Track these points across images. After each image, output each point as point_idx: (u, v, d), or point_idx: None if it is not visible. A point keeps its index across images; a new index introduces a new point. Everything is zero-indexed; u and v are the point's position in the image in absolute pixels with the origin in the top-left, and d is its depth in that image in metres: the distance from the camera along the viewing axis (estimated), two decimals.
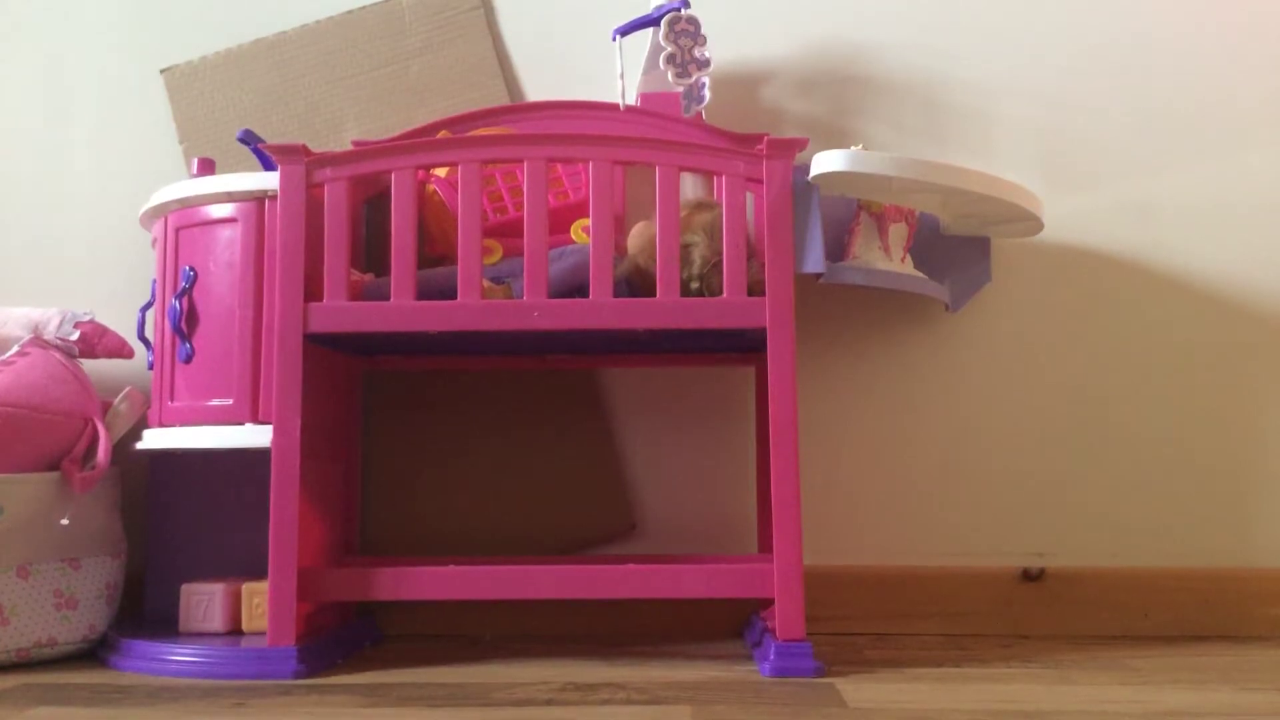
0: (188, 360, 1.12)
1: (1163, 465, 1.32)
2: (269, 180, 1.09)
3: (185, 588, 1.17)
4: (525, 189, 1.07)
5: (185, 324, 1.12)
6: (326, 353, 1.15)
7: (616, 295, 1.07)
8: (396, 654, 1.16)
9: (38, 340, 1.20)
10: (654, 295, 1.07)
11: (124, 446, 1.19)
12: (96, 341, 1.22)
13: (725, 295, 1.07)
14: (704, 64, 1.18)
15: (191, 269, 1.13)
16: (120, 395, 1.19)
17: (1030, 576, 1.28)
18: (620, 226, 1.21)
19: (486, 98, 1.33)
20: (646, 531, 1.32)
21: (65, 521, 1.12)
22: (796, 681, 1.01)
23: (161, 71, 1.37)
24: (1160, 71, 1.35)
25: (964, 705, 0.92)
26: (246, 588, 1.15)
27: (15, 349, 1.18)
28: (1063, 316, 1.34)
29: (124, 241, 1.34)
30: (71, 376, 1.16)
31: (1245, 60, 1.35)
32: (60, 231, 1.38)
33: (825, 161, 1.10)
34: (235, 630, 1.15)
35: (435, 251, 1.20)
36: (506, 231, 1.19)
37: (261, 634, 1.09)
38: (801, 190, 1.11)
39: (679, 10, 1.18)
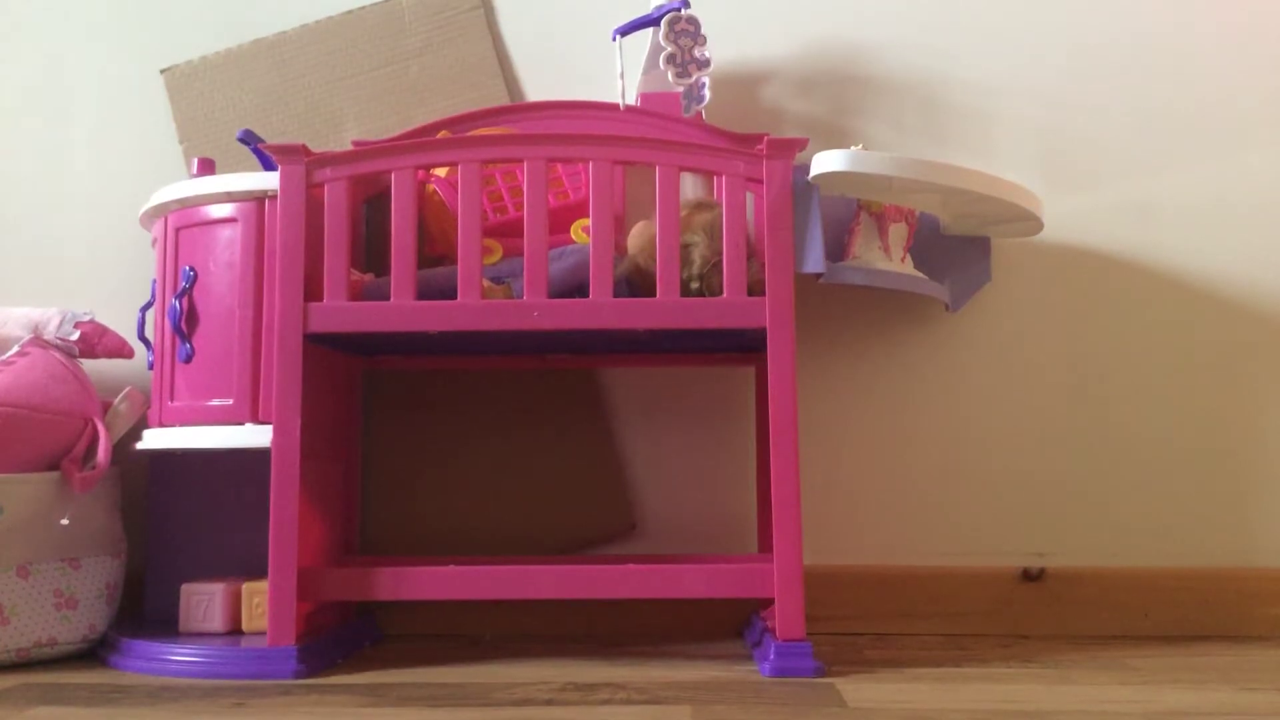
0: (188, 360, 1.12)
1: (1163, 465, 1.32)
2: (269, 180, 1.09)
3: (185, 588, 1.17)
4: (525, 189, 1.07)
5: (185, 324, 1.12)
6: (326, 353, 1.15)
7: (616, 295, 1.07)
8: (396, 654, 1.16)
9: (38, 340, 1.20)
10: (654, 295, 1.07)
11: (124, 446, 1.19)
12: (96, 341, 1.22)
13: (725, 295, 1.07)
14: (704, 64, 1.18)
15: (191, 269, 1.13)
16: (120, 395, 1.19)
17: (1030, 576, 1.28)
18: (620, 226, 1.21)
19: (486, 98, 1.33)
20: (646, 531, 1.32)
21: (65, 521, 1.12)
22: (796, 681, 1.01)
23: (161, 71, 1.37)
24: (1160, 71, 1.35)
25: (964, 705, 0.92)
26: (246, 588, 1.15)
27: (15, 349, 1.18)
28: (1063, 316, 1.34)
29: (124, 241, 1.34)
30: (71, 376, 1.16)
31: (1245, 60, 1.35)
32: (60, 231, 1.38)
33: (825, 161, 1.10)
34: (235, 630, 1.15)
35: (435, 251, 1.20)
36: (506, 231, 1.19)
37: (261, 634, 1.09)
38: (801, 190, 1.11)
39: (679, 10, 1.18)
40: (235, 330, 1.10)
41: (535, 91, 1.36)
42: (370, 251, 1.23)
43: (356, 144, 1.26)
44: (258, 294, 1.10)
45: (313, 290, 1.07)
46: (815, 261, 1.10)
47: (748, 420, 1.31)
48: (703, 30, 1.18)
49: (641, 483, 1.33)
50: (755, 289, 1.07)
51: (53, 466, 1.13)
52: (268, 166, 1.17)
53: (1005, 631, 1.28)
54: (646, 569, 1.06)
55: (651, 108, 1.26)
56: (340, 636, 1.15)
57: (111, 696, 0.98)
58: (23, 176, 1.39)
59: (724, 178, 1.08)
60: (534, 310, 1.06)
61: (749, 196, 1.14)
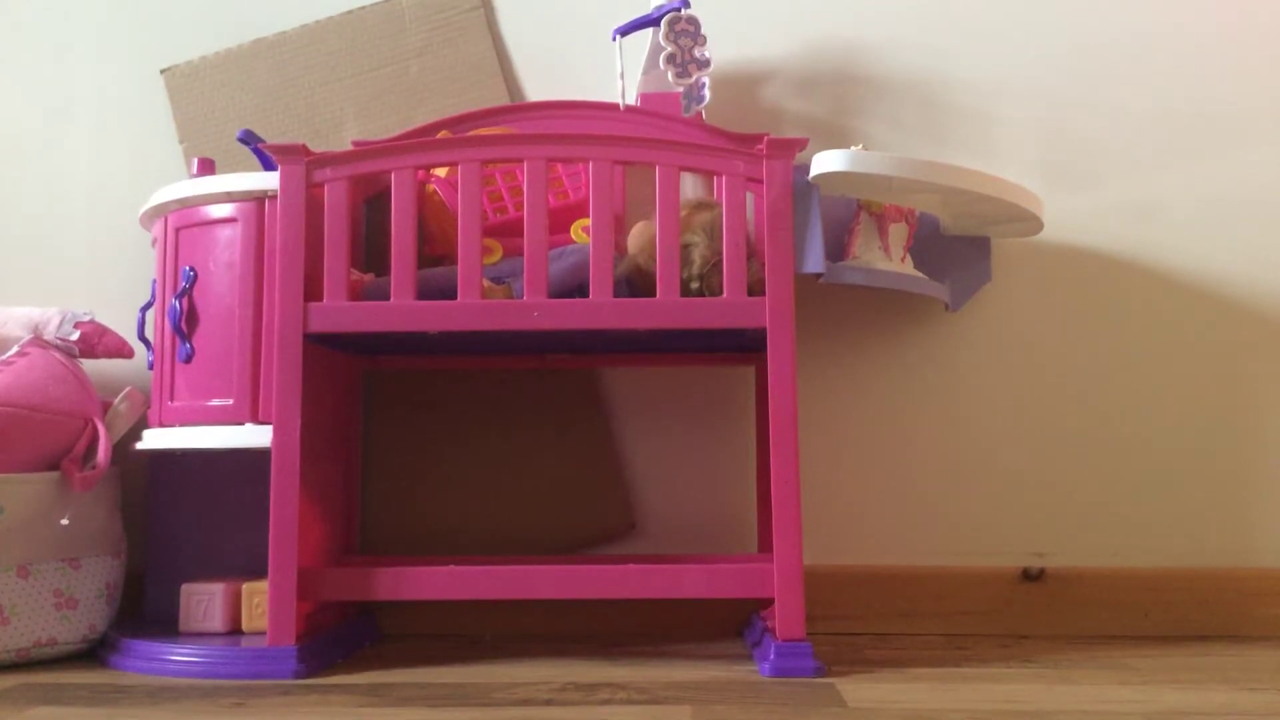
0: (188, 360, 1.12)
1: (1163, 465, 1.32)
2: (269, 180, 1.09)
3: (185, 588, 1.17)
4: (525, 189, 1.07)
5: (185, 324, 1.12)
6: (326, 353, 1.15)
7: (616, 295, 1.07)
8: (396, 654, 1.16)
9: (38, 340, 1.20)
10: (654, 295, 1.07)
11: (124, 446, 1.19)
12: (96, 341, 1.22)
13: (725, 295, 1.07)
14: (704, 64, 1.18)
15: (191, 269, 1.13)
16: (120, 395, 1.19)
17: (1030, 576, 1.28)
18: (620, 226, 1.21)
19: (486, 98, 1.33)
20: (646, 531, 1.32)
21: (65, 521, 1.12)
22: (796, 681, 1.01)
23: (161, 71, 1.37)
24: (1160, 71, 1.35)
25: (964, 705, 0.92)
26: (246, 588, 1.15)
27: (15, 349, 1.18)
28: (1063, 316, 1.34)
29: (124, 241, 1.34)
30: (71, 376, 1.16)
31: (1245, 60, 1.35)
32: (60, 231, 1.38)
33: (825, 161, 1.10)
34: (235, 630, 1.15)
35: (435, 251, 1.20)
36: (506, 231, 1.19)
37: (261, 634, 1.09)
38: (801, 190, 1.11)
39: (679, 10, 1.18)
40: (235, 330, 1.10)
41: (535, 91, 1.36)
42: (370, 251, 1.23)
43: (356, 144, 1.26)
44: (258, 294, 1.10)
45: (313, 290, 1.07)
46: (815, 261, 1.10)
47: (748, 420, 1.31)
48: (703, 30, 1.18)
49: (641, 483, 1.33)
50: (755, 289, 1.07)
51: (53, 466, 1.13)
52: (268, 166, 1.17)
53: (1005, 631, 1.28)
54: (646, 569, 1.06)
55: (651, 108, 1.26)
56: (340, 636, 1.15)
57: (111, 696, 0.98)
58: (23, 176, 1.39)
59: (724, 178, 1.08)
60: (534, 310, 1.06)
61: (749, 196, 1.14)
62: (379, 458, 1.32)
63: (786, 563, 1.04)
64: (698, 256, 1.10)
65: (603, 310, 1.06)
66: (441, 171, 1.19)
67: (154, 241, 1.20)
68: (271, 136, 1.28)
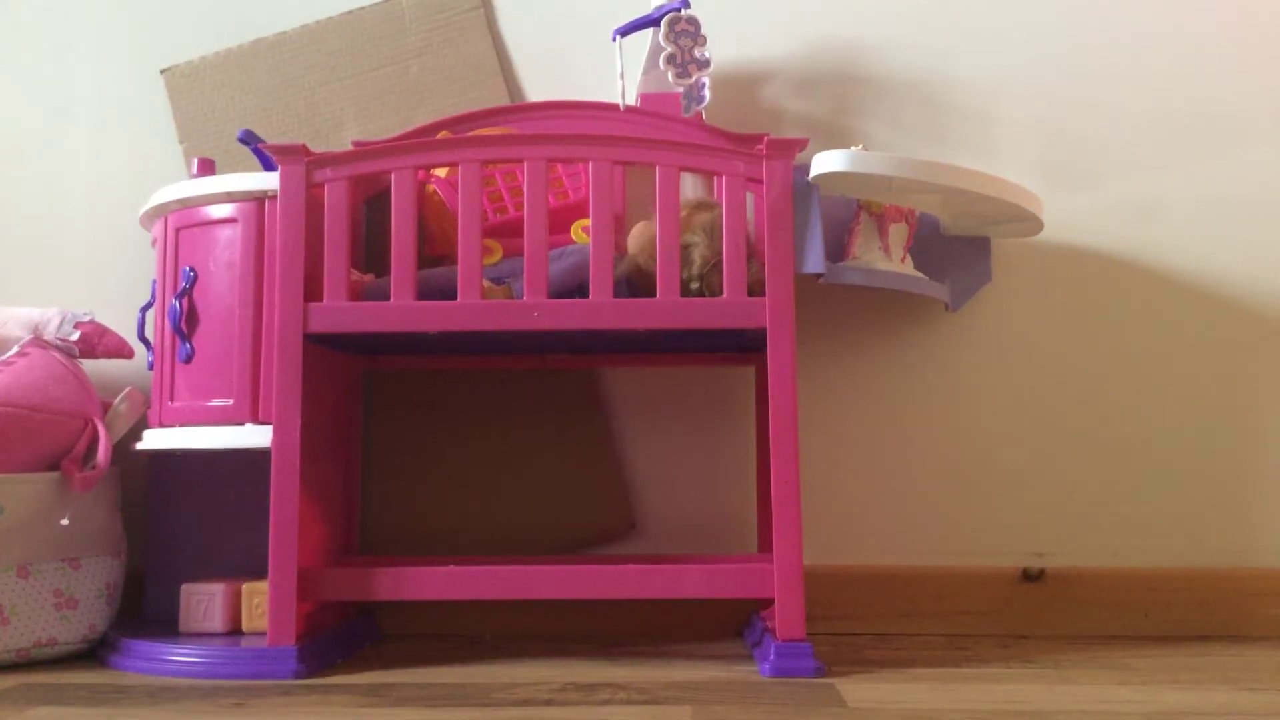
0: (188, 360, 1.12)
1: (1163, 465, 1.32)
2: (269, 180, 1.09)
3: (185, 588, 1.17)
4: (525, 189, 1.07)
5: (185, 324, 1.12)
6: (326, 353, 1.15)
7: (616, 295, 1.07)
8: (396, 654, 1.16)
9: (38, 340, 1.20)
10: (654, 295, 1.07)
11: (124, 446, 1.19)
12: (96, 341, 1.22)
13: (725, 295, 1.07)
14: (704, 64, 1.18)
15: (191, 269, 1.13)
16: (120, 395, 1.19)
17: (1030, 576, 1.28)
18: (620, 226, 1.21)
19: (486, 98, 1.33)
20: (646, 531, 1.32)
21: (65, 521, 1.12)
22: (796, 681, 1.01)
23: (161, 71, 1.37)
24: (1160, 71, 1.35)
25: (964, 705, 0.92)
26: (246, 588, 1.15)
27: (15, 349, 1.18)
28: (1063, 316, 1.34)
29: (124, 241, 1.34)
30: (71, 376, 1.16)
31: (1245, 60, 1.35)
32: (60, 231, 1.38)
33: (825, 161, 1.10)
34: (235, 630, 1.15)
35: (435, 251, 1.20)
36: (506, 231, 1.19)
37: (261, 634, 1.09)
38: (801, 190, 1.11)
39: (679, 10, 1.18)
40: (235, 330, 1.10)
41: (535, 91, 1.36)
42: (370, 251, 1.23)
43: (356, 144, 1.26)
44: (258, 294, 1.10)
45: (313, 290, 1.07)
46: (815, 261, 1.10)
47: (748, 420, 1.31)
48: (703, 30, 1.18)
49: (641, 483, 1.33)
50: (755, 289, 1.07)
51: (53, 466, 1.13)
52: (268, 166, 1.17)
53: (1005, 631, 1.28)
54: (646, 569, 1.06)
55: (651, 108, 1.26)
56: (340, 636, 1.15)
57: (111, 696, 0.98)
58: (23, 176, 1.39)
59: (724, 178, 1.08)
60: (534, 310, 1.06)
61: (749, 196, 1.14)
62: (379, 458, 1.32)
63: (786, 563, 1.04)
64: (698, 257, 1.10)
65: (603, 310, 1.06)
66: (441, 171, 1.19)
67: (154, 241, 1.20)
68: (271, 136, 1.28)
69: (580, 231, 1.19)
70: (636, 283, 1.11)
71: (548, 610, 1.25)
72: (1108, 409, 1.33)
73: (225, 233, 1.12)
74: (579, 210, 1.19)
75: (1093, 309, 1.33)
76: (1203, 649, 1.19)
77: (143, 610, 1.25)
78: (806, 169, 1.11)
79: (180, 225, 1.14)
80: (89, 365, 1.22)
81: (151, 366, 1.18)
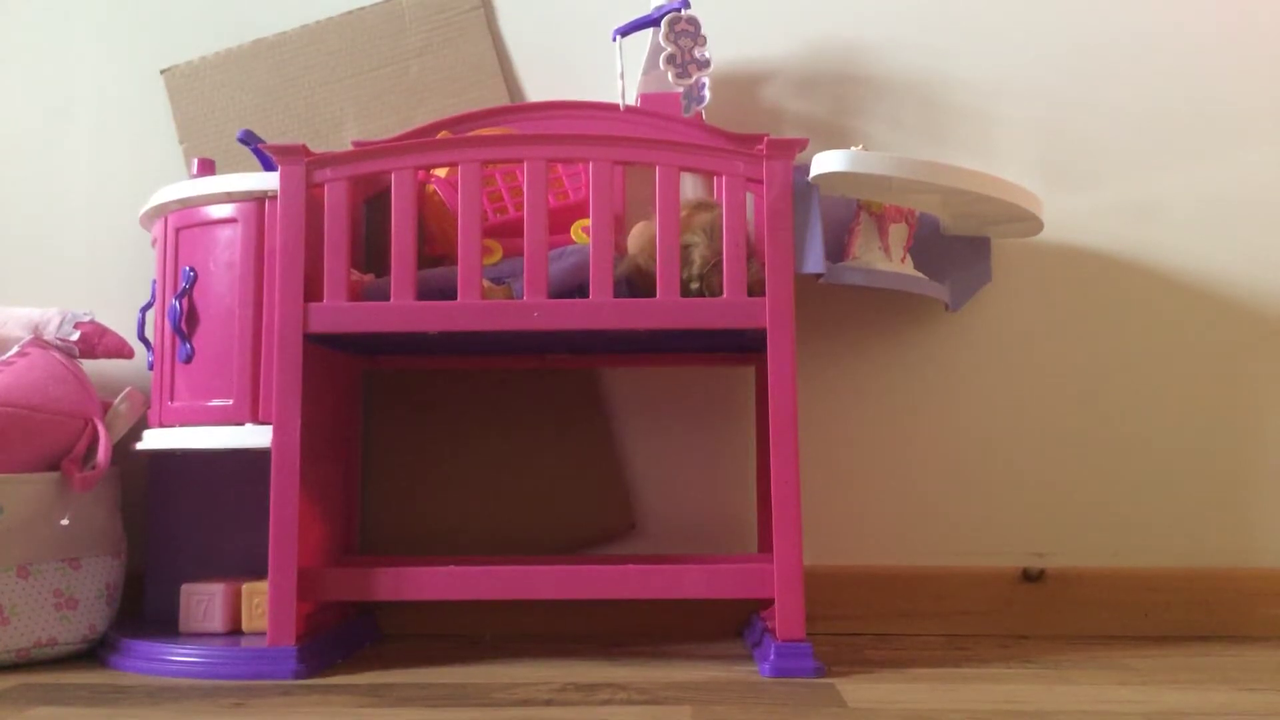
0: (188, 360, 1.12)
1: (1163, 465, 1.32)
2: (269, 180, 1.09)
3: (185, 588, 1.17)
4: (525, 189, 1.07)
5: (185, 324, 1.12)
6: (326, 353, 1.15)
7: (616, 295, 1.07)
8: (396, 654, 1.16)
9: (38, 340, 1.20)
10: (654, 295, 1.07)
11: (124, 446, 1.19)
12: (96, 341, 1.22)
13: (725, 295, 1.07)
14: (704, 64, 1.18)
15: (191, 269, 1.13)
16: (120, 395, 1.19)
17: (1030, 576, 1.28)
18: (620, 226, 1.21)
19: (486, 98, 1.33)
20: (646, 531, 1.32)
21: (65, 521, 1.12)
22: (796, 682, 1.01)
23: (161, 71, 1.37)
24: (1160, 71, 1.35)
25: (964, 705, 0.92)
26: (246, 588, 1.15)
27: (15, 349, 1.18)
28: (1063, 316, 1.34)
29: (124, 241, 1.34)
30: (71, 376, 1.16)
31: (1245, 60, 1.35)
32: (60, 231, 1.38)
33: (825, 161, 1.10)
34: (235, 630, 1.15)
35: (435, 251, 1.20)
36: (506, 231, 1.19)
37: (261, 634, 1.09)
38: (801, 190, 1.11)
39: (679, 10, 1.18)
40: (235, 330, 1.10)
41: (535, 91, 1.36)
42: (370, 251, 1.23)
43: (356, 144, 1.26)
44: (258, 294, 1.10)
45: (313, 290, 1.07)
46: (815, 262, 1.10)
47: (748, 420, 1.31)
48: (703, 30, 1.18)
49: (641, 483, 1.33)
50: (755, 289, 1.07)
51: (53, 466, 1.13)
52: (268, 166, 1.17)
53: (1005, 631, 1.28)
54: (646, 569, 1.06)
55: (651, 108, 1.26)
56: (340, 636, 1.15)
57: (111, 697, 0.98)
58: (23, 176, 1.39)
59: (724, 178, 1.08)
60: (534, 310, 1.06)
61: (749, 196, 1.14)
62: (379, 458, 1.32)
63: (786, 563, 1.04)
64: (698, 257, 1.10)
65: (603, 310, 1.06)
66: (441, 172, 1.19)
67: (154, 242, 1.20)
68: (271, 137, 1.28)
69: (580, 231, 1.19)
70: (636, 283, 1.11)
71: (548, 610, 1.25)
72: (1108, 409, 1.33)
73: (225, 233, 1.12)
74: (579, 210, 1.19)
75: (1093, 309, 1.33)
76: (1203, 649, 1.19)
77: (143, 610, 1.25)
78: (806, 169, 1.11)
79: (180, 225, 1.14)
80: (89, 365, 1.22)
81: (151, 366, 1.18)
